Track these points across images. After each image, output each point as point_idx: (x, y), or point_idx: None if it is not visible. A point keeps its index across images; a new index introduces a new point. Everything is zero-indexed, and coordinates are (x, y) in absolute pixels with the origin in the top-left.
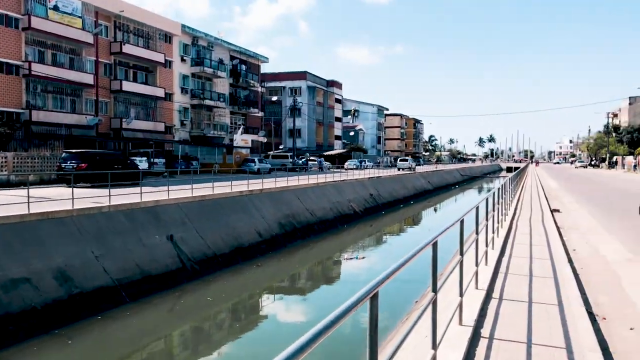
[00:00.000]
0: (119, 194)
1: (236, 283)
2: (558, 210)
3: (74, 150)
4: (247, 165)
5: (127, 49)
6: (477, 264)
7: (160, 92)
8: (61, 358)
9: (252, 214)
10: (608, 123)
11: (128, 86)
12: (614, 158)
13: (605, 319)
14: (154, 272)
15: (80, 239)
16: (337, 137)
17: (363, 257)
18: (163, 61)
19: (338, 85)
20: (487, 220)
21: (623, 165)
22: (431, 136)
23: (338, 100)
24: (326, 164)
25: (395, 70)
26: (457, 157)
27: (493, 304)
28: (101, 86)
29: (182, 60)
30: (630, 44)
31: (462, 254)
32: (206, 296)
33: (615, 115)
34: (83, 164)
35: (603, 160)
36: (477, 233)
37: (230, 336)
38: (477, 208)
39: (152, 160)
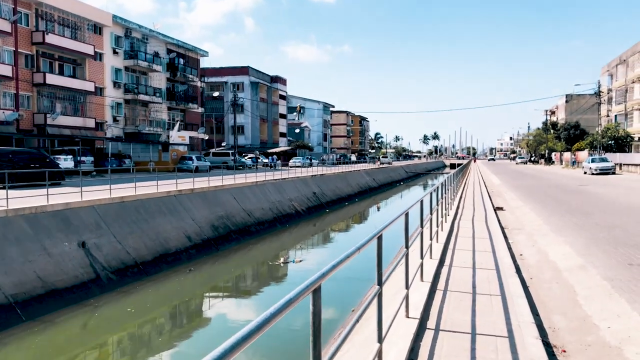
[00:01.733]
0: (31, 196)
1: (162, 291)
2: (502, 208)
3: None
4: (184, 163)
5: (51, 39)
6: (422, 257)
7: (89, 86)
8: None
9: (181, 216)
10: (546, 120)
11: (53, 79)
12: (553, 154)
13: (565, 351)
14: (61, 285)
15: None
16: (282, 134)
17: (300, 261)
18: (92, 53)
19: (282, 81)
20: (421, 227)
21: (561, 161)
22: (377, 134)
23: (282, 97)
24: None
25: (342, 68)
26: (402, 154)
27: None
28: (22, 79)
29: (115, 52)
30: (567, 42)
31: (407, 247)
32: (126, 307)
33: (553, 113)
34: None
35: (542, 156)
36: (422, 226)
37: (157, 346)
38: (422, 202)
39: (78, 158)
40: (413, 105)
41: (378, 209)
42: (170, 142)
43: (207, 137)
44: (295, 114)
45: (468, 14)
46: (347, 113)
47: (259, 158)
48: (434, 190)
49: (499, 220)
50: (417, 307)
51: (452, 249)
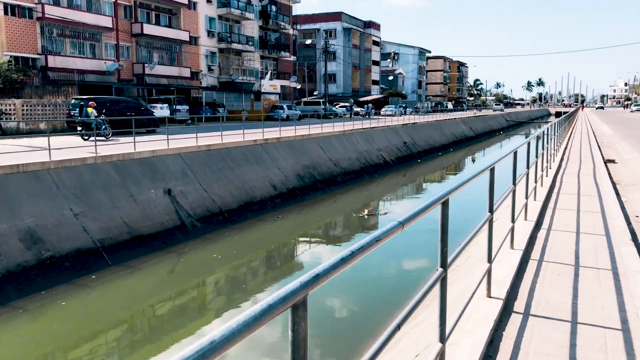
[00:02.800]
0: (122, 143)
1: (248, 239)
2: (613, 161)
3: (83, 97)
4: (275, 112)
5: None
6: (513, 220)
7: (184, 36)
8: (9, 337)
9: (267, 165)
10: None
11: (150, 29)
12: None
13: None
14: (146, 231)
15: (56, 195)
16: (375, 82)
17: (385, 213)
18: (186, 2)
19: (376, 26)
20: (513, 184)
21: None
22: (476, 80)
23: (376, 43)
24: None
25: (440, 12)
26: (503, 101)
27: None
28: (121, 30)
29: (208, 1)
30: None
31: (514, 183)
32: (212, 254)
33: None
34: None
35: None
36: (514, 183)
37: (244, 291)
38: (515, 154)
39: (174, 107)
40: (516, 49)
41: (473, 160)
42: (262, 91)
43: (299, 86)
44: (388, 60)
45: None
46: (444, 58)
47: (353, 107)
48: (535, 139)
49: (609, 175)
50: (502, 284)
51: (553, 208)
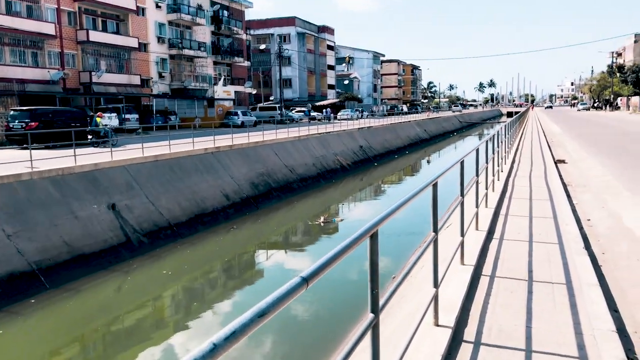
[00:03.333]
0: (62, 156)
1: (198, 253)
2: (563, 161)
3: (22, 108)
4: (229, 119)
5: None
6: (462, 234)
7: (133, 42)
8: None
9: (219, 174)
10: (612, 63)
11: (96, 36)
12: (619, 99)
13: None
14: (88, 249)
15: None
16: (331, 86)
17: (342, 220)
18: (134, 8)
19: (330, 30)
20: (461, 196)
21: (628, 106)
22: (430, 82)
23: (330, 47)
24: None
25: (393, 17)
26: (456, 103)
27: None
28: (66, 37)
29: (157, 6)
30: None
31: (462, 195)
32: (160, 271)
33: (620, 55)
34: (33, 123)
35: (607, 102)
36: (462, 194)
37: (193, 310)
38: (462, 163)
39: (123, 116)
40: (468, 52)
41: (428, 161)
42: (216, 97)
43: (254, 92)
44: (344, 64)
45: None
46: (398, 62)
47: (311, 112)
48: (485, 144)
49: (560, 176)
50: (452, 308)
51: (505, 214)
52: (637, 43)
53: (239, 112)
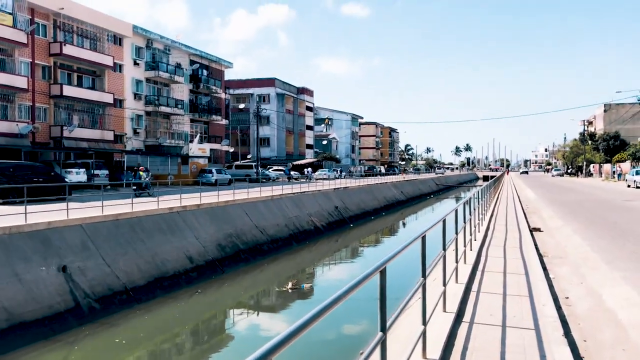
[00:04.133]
0: (16, 213)
1: (152, 322)
2: (539, 229)
3: None
4: (203, 177)
5: (69, 50)
6: (424, 323)
7: (108, 98)
8: None
9: (183, 235)
10: (584, 130)
11: (70, 91)
12: (591, 166)
13: None
14: (30, 316)
15: None
16: (309, 146)
17: (311, 286)
18: (112, 64)
19: (309, 92)
20: (422, 278)
21: (600, 173)
22: (407, 145)
23: (309, 108)
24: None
25: (373, 81)
26: (432, 166)
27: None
28: (38, 91)
29: (135, 64)
30: (604, 50)
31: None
32: (114, 338)
33: (590, 123)
34: None
35: (579, 168)
36: (423, 277)
37: None
38: (423, 238)
39: (92, 172)
40: (445, 117)
41: (404, 224)
42: (190, 154)
43: (232, 150)
44: (323, 125)
45: (502, 25)
46: (376, 124)
47: (291, 171)
48: (462, 206)
49: (536, 246)
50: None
51: (477, 291)
52: (606, 112)
53: (214, 170)
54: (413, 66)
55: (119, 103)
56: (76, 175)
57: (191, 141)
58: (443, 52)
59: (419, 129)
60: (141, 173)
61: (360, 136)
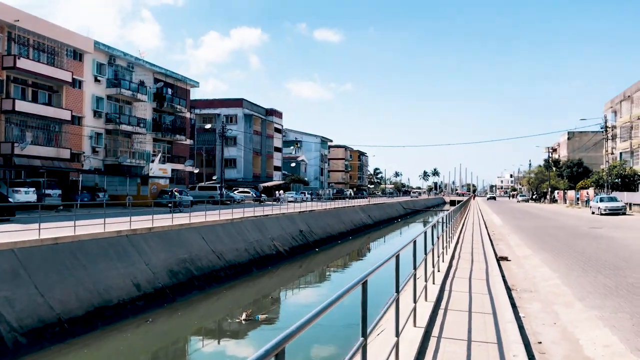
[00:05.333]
0: None
1: (94, 355)
2: (506, 258)
3: None
4: (163, 198)
5: (23, 63)
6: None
7: (65, 115)
8: None
9: (131, 260)
10: (548, 157)
11: (23, 106)
12: (555, 192)
13: None
14: None
15: None
16: (277, 168)
17: (266, 316)
18: (70, 80)
19: (278, 114)
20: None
21: (564, 199)
22: (376, 169)
23: (278, 130)
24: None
25: (344, 106)
26: (401, 190)
27: None
28: None
29: (96, 80)
30: (568, 79)
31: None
32: None
33: (555, 150)
34: None
35: (544, 194)
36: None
37: None
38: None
39: (43, 191)
40: (413, 141)
41: (369, 249)
42: (151, 174)
43: (197, 171)
44: (292, 147)
45: (471, 52)
46: (345, 148)
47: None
48: (429, 230)
49: (504, 278)
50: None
51: (437, 336)
52: (570, 140)
53: (174, 191)
54: (383, 91)
55: (77, 120)
56: (24, 195)
57: (152, 161)
58: (413, 78)
59: (388, 153)
60: (176, 194)
61: (330, 159)
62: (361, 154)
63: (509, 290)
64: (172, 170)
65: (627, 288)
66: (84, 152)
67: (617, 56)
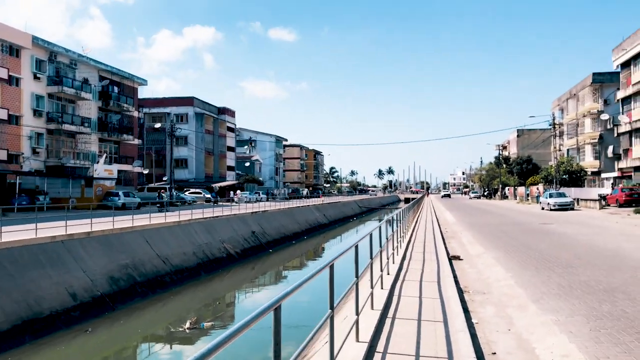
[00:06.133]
0: None
1: None
2: (459, 257)
3: None
4: (109, 200)
5: None
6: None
7: (1, 114)
8: None
9: (67, 268)
10: (499, 154)
11: None
12: (506, 189)
13: None
14: None
15: None
16: (230, 168)
17: (212, 324)
18: (6, 77)
19: (230, 112)
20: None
21: (515, 195)
22: (332, 168)
23: (231, 129)
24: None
25: (300, 105)
26: (357, 188)
27: None
28: None
29: (36, 77)
30: (518, 73)
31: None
32: None
33: (505, 148)
34: None
35: (495, 191)
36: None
37: None
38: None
39: None
40: (369, 140)
41: (323, 249)
42: (95, 176)
43: (146, 171)
44: (246, 147)
45: (423, 51)
46: (301, 147)
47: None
48: (376, 232)
49: (456, 279)
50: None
51: (383, 352)
52: (519, 137)
53: (121, 193)
54: (339, 90)
55: (14, 119)
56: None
57: (97, 162)
58: (367, 77)
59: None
60: (162, 193)
61: (285, 158)
62: (317, 153)
63: (461, 292)
64: (120, 171)
65: (580, 287)
66: (22, 153)
67: (564, 55)
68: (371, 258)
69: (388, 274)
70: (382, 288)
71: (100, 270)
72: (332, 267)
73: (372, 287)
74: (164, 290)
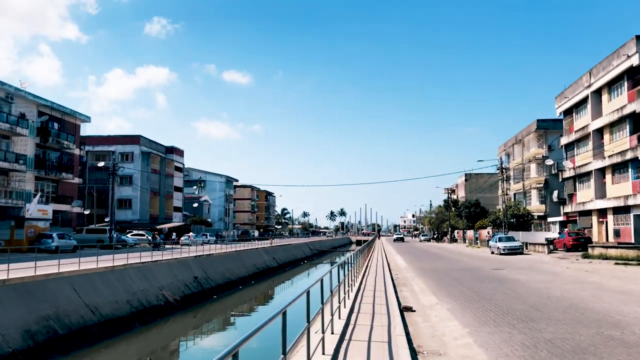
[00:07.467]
0: None
1: None
2: (411, 309)
3: None
4: (42, 242)
5: None
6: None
7: None
8: None
9: None
10: (448, 198)
11: None
12: (455, 232)
13: None
14: None
15: None
16: (177, 209)
17: None
18: None
19: (179, 152)
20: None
21: (464, 239)
22: (284, 209)
23: (179, 169)
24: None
25: (252, 146)
26: (309, 230)
27: None
28: None
29: None
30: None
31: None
32: None
33: (453, 191)
34: None
35: (445, 234)
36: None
37: None
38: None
39: None
40: (320, 182)
41: (271, 297)
42: (28, 216)
43: (87, 212)
44: (195, 187)
45: (373, 95)
46: (252, 188)
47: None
48: (327, 277)
49: (408, 338)
50: None
51: None
52: (467, 181)
53: (55, 235)
54: (291, 132)
55: None
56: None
57: (31, 202)
58: (319, 120)
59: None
60: (156, 235)
61: (236, 199)
62: (268, 194)
63: (414, 354)
64: (57, 211)
65: (547, 347)
66: None
67: (508, 102)
68: (308, 322)
69: (332, 333)
70: (323, 354)
71: (15, 323)
72: (284, 315)
73: (323, 332)
74: (90, 344)
